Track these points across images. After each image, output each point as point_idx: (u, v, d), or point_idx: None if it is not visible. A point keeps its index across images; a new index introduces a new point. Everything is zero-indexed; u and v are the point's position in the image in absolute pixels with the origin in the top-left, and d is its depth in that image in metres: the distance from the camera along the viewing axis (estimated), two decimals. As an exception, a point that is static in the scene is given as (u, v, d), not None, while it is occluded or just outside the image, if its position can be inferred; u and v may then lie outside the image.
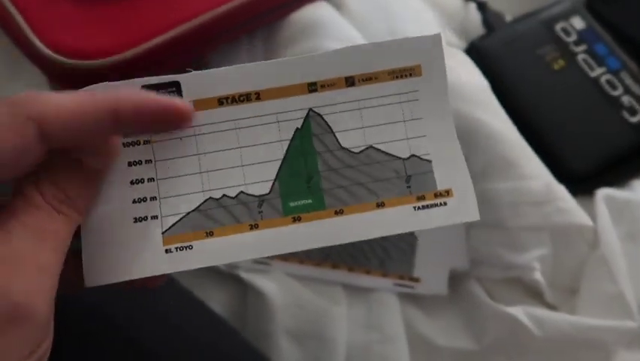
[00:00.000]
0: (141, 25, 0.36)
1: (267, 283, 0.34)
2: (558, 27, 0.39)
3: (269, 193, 0.22)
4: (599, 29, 0.39)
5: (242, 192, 0.22)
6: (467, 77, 0.35)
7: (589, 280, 0.32)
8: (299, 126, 0.22)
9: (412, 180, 0.22)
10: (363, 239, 0.22)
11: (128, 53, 0.35)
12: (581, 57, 0.38)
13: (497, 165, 0.32)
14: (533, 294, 0.33)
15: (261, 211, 0.22)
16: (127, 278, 0.20)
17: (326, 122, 0.22)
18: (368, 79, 0.22)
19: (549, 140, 0.36)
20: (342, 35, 0.36)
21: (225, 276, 0.36)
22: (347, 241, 0.21)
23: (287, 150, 0.22)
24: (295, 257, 0.34)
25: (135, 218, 0.21)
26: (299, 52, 0.37)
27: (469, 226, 0.34)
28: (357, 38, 0.37)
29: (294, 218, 0.22)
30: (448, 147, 0.22)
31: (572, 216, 0.32)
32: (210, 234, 0.21)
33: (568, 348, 0.30)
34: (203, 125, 0.21)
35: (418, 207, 0.22)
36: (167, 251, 0.21)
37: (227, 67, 0.21)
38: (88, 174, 0.19)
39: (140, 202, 0.21)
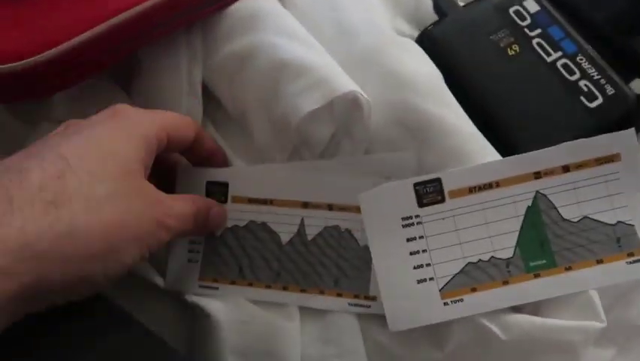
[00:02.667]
0: (59, 23, 0.32)
1: (213, 303, 0.31)
2: (512, 10, 0.37)
3: (512, 257, 0.29)
4: (554, 12, 0.37)
5: (492, 256, 0.29)
6: (418, 68, 0.33)
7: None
8: (529, 205, 0.29)
9: (622, 240, 0.28)
10: (589, 289, 0.28)
11: (45, 55, 0.31)
12: (535, 41, 0.36)
13: (451, 159, 0.30)
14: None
15: (509, 270, 0.28)
16: (419, 325, 0.28)
17: (550, 200, 0.29)
18: (580, 166, 0.29)
19: (506, 128, 0.34)
20: (283, 29, 0.34)
21: (175, 301, 0.33)
22: (577, 291, 0.28)
23: (522, 223, 0.29)
24: (244, 280, 0.32)
25: (417, 280, 0.28)
26: (238, 49, 0.34)
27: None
28: (300, 31, 0.34)
29: (534, 275, 0.28)
30: None
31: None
32: (474, 289, 0.28)
33: (535, 350, 0.29)
34: (458, 208, 0.29)
35: (630, 262, 0.28)
36: (444, 304, 0.28)
37: (478, 164, 0.29)
38: None
39: (418, 268, 0.29)
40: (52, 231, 0.21)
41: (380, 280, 0.28)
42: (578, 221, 0.29)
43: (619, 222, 0.29)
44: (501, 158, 0.31)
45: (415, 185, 0.29)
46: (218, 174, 0.32)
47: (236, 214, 0.32)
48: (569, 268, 0.28)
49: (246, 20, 0.35)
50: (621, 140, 0.29)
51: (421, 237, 0.29)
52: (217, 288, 0.32)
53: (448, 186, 0.29)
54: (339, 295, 0.31)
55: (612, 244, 0.29)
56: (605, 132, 0.34)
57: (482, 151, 0.31)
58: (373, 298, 0.31)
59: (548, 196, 0.29)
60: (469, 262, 0.29)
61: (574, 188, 0.29)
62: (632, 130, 0.29)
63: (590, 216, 0.29)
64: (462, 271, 0.28)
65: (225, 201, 0.32)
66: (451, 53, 0.36)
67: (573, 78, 0.35)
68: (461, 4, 0.40)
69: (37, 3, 0.33)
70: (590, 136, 0.33)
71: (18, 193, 0.21)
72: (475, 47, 0.36)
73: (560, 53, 0.36)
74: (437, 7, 0.39)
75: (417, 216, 0.29)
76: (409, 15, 0.41)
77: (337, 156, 0.33)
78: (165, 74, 0.36)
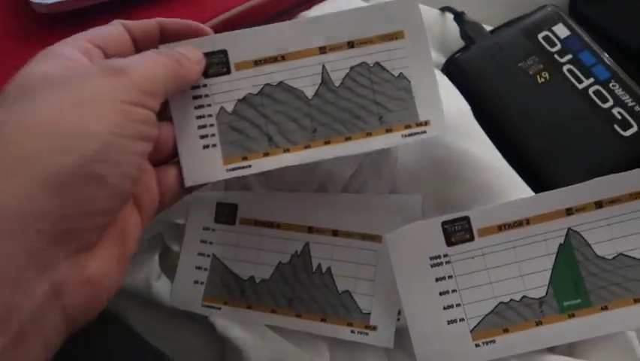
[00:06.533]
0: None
1: (243, 335, 0.31)
2: (540, 36, 0.37)
3: (545, 296, 0.28)
4: (585, 36, 0.36)
5: (525, 296, 0.28)
6: (447, 103, 0.32)
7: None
8: (562, 242, 0.28)
9: None
10: (626, 329, 0.28)
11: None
12: (566, 68, 0.35)
13: (480, 195, 0.30)
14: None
15: (542, 311, 0.28)
16: None
17: (583, 237, 0.28)
18: (613, 201, 0.28)
19: (537, 159, 0.34)
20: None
21: (202, 326, 0.34)
22: (613, 331, 0.28)
23: (554, 261, 0.28)
24: (278, 148, 0.28)
25: (448, 321, 0.28)
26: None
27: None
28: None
29: (569, 315, 0.28)
30: None
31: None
32: (506, 330, 0.28)
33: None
34: (488, 246, 0.28)
35: None
36: (476, 345, 0.28)
37: (508, 202, 0.29)
38: None
39: (448, 309, 0.28)
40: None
41: (410, 321, 0.28)
42: (613, 258, 0.28)
43: None
44: (531, 193, 0.31)
45: (443, 224, 0.29)
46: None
47: (249, 81, 0.28)
48: (604, 308, 0.28)
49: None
50: None
51: (450, 276, 0.28)
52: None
53: (476, 225, 0.28)
54: (389, 130, 0.28)
55: None
56: (640, 161, 0.34)
57: (512, 187, 0.30)
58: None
59: (581, 233, 0.28)
60: (500, 302, 0.28)
61: (607, 224, 0.28)
62: None
63: (626, 253, 0.28)
64: (493, 311, 0.28)
65: (228, 71, 0.28)
66: (478, 81, 0.36)
67: (606, 106, 0.34)
68: (488, 28, 0.39)
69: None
70: (626, 165, 0.32)
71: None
72: (503, 74, 0.36)
73: (592, 80, 0.35)
74: (464, 34, 0.39)
75: (445, 255, 0.29)
76: (435, 41, 0.40)
77: (364, 193, 0.33)
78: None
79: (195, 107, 0.27)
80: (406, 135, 0.28)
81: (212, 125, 0.27)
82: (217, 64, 0.28)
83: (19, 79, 0.21)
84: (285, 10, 0.38)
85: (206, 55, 0.27)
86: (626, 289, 0.28)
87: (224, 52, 0.28)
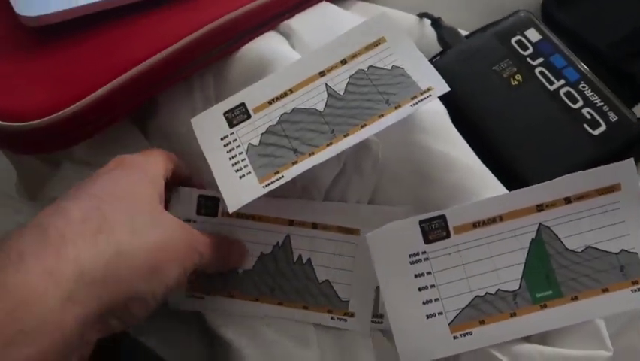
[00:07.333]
0: (83, 75, 0.34)
1: (231, 329, 0.33)
2: (513, 40, 0.38)
3: (519, 288, 0.29)
4: (556, 40, 0.38)
5: (499, 289, 0.29)
6: (425, 106, 0.34)
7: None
8: (533, 237, 0.30)
9: (625, 269, 0.29)
10: (595, 318, 0.29)
11: (71, 109, 0.33)
12: (538, 70, 0.37)
13: (455, 194, 0.32)
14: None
15: (516, 302, 0.29)
16: (430, 359, 0.29)
17: (553, 232, 0.30)
18: (581, 197, 0.30)
19: (510, 158, 0.35)
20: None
21: (192, 325, 0.35)
22: (583, 320, 0.29)
23: (527, 255, 0.29)
24: (303, 154, 0.32)
25: (427, 315, 0.29)
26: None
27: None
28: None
29: (541, 305, 0.29)
30: None
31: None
32: (482, 322, 0.29)
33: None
34: (464, 243, 0.30)
35: (635, 290, 0.29)
36: (454, 338, 0.29)
37: (481, 200, 0.30)
38: None
39: (427, 303, 0.29)
40: (103, 256, 0.23)
41: (391, 316, 0.30)
42: (582, 251, 0.30)
43: (622, 250, 0.29)
44: (504, 191, 0.32)
45: (421, 222, 0.30)
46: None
47: (268, 117, 0.33)
48: (575, 298, 0.29)
49: (254, 63, 0.36)
50: (621, 170, 0.30)
51: (429, 272, 0.30)
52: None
53: (452, 222, 0.30)
54: (398, 107, 0.32)
55: (616, 273, 0.29)
56: (609, 159, 0.35)
57: (486, 186, 0.32)
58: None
59: (551, 228, 0.30)
60: (476, 296, 0.29)
61: (576, 219, 0.30)
62: (632, 160, 0.30)
63: (594, 245, 0.30)
64: (470, 304, 0.29)
65: (249, 117, 0.33)
66: (454, 84, 0.37)
67: (576, 106, 0.36)
68: (464, 33, 0.41)
69: (59, 55, 0.35)
70: (595, 163, 0.34)
71: (67, 229, 0.23)
72: (478, 78, 0.37)
73: (562, 82, 0.37)
74: (441, 39, 0.40)
75: (424, 252, 0.30)
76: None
77: (347, 191, 0.34)
78: (181, 116, 0.37)
79: (227, 152, 0.32)
80: (414, 104, 0.31)
81: (243, 159, 0.32)
82: (238, 115, 0.33)
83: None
84: (269, 20, 0.39)
85: (229, 111, 0.33)
86: (595, 280, 0.29)
87: (242, 104, 0.33)
